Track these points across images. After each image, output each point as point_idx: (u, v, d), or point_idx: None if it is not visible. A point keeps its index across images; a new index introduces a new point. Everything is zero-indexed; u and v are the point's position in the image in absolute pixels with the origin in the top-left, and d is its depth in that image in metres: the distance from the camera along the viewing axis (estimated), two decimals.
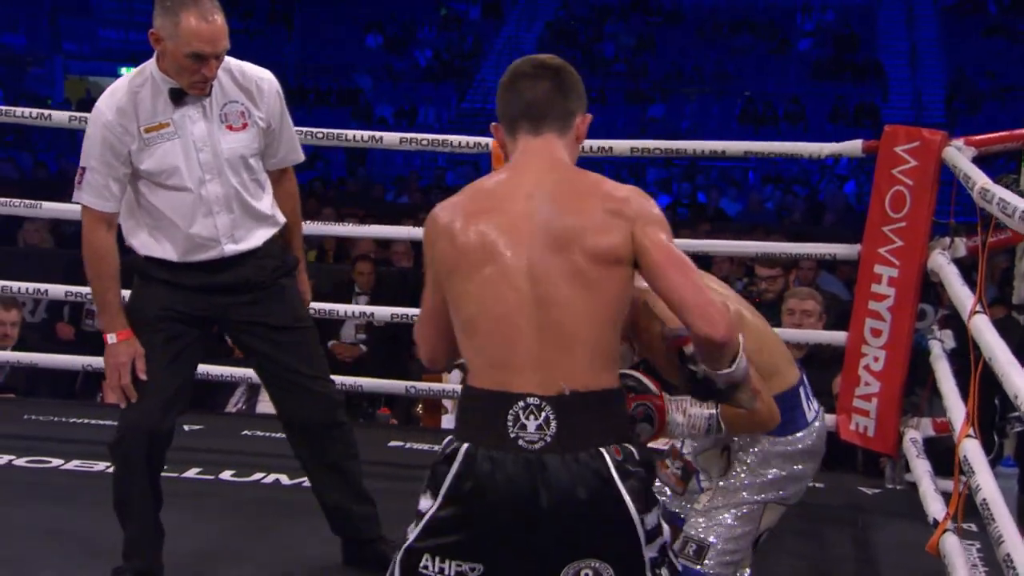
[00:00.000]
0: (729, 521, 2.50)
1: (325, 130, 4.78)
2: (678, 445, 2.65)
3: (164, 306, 3.03)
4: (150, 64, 2.97)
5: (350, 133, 4.94)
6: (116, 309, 2.99)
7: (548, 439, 1.97)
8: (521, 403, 1.98)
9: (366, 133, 5.03)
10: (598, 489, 1.96)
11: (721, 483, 2.55)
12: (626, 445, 2.02)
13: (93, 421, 4.84)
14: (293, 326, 3.16)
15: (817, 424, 2.60)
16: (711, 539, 2.49)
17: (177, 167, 2.96)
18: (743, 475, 2.54)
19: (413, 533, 2.06)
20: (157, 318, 3.02)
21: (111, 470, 3.13)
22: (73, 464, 4.22)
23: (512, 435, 1.97)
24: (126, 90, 2.95)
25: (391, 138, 5.00)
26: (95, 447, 4.38)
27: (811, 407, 2.60)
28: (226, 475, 4.17)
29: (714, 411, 2.31)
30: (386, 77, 23.52)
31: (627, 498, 1.97)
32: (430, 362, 2.27)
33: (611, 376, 2.06)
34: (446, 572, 2.01)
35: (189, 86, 2.92)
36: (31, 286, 4.93)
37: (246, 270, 3.08)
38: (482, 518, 1.99)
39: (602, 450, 1.98)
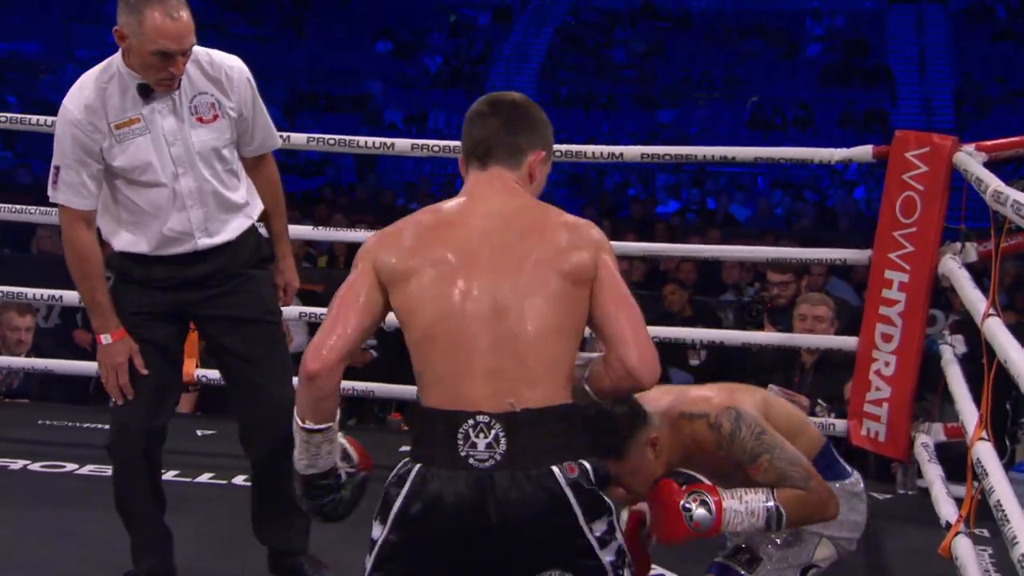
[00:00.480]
0: (783, 542, 2.51)
1: (337, 136, 4.79)
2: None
3: (137, 308, 3.01)
4: (116, 59, 2.92)
5: (362, 140, 4.95)
6: (108, 308, 2.97)
7: (498, 457, 1.96)
8: (471, 421, 1.97)
9: (378, 140, 5.04)
10: (549, 505, 1.96)
11: None
12: (582, 462, 2.01)
13: (106, 426, 4.84)
14: (263, 319, 3.12)
15: (858, 476, 2.65)
16: (765, 554, 2.49)
17: (149, 162, 2.92)
18: None
19: (368, 563, 2.04)
20: (132, 323, 3.00)
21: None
22: (87, 469, 4.24)
23: (463, 453, 1.96)
24: (93, 87, 2.90)
25: (403, 145, 5.00)
26: None
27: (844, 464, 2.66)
28: (238, 480, 4.17)
29: (773, 503, 2.29)
30: (396, 83, 23.51)
31: (577, 511, 1.97)
32: (330, 365, 2.07)
33: (565, 393, 2.05)
34: None
35: (156, 83, 2.87)
36: (45, 292, 4.95)
37: (219, 262, 3.05)
38: (432, 540, 1.99)
39: (553, 468, 1.97)
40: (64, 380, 5.47)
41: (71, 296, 4.91)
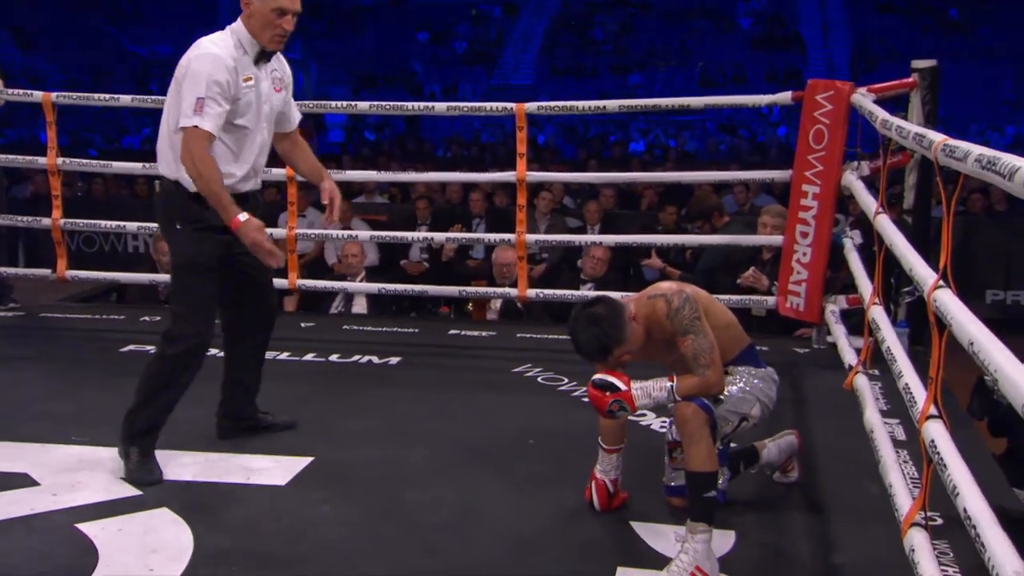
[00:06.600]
0: (735, 392, 2.50)
1: (390, 103, 4.73)
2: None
3: (213, 253, 2.80)
4: (238, 28, 2.77)
5: (409, 105, 4.89)
6: (230, 200, 2.68)
7: None
8: None
9: (421, 104, 5.02)
10: None
11: (730, 378, 2.54)
12: None
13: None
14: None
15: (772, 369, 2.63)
16: (723, 396, 2.48)
17: (252, 114, 2.78)
18: (741, 379, 2.54)
19: None
20: (212, 267, 2.80)
21: (165, 365, 2.81)
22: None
23: None
24: (232, 46, 2.74)
25: (440, 107, 5.02)
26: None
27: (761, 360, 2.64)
28: (334, 357, 4.18)
29: (671, 384, 2.36)
30: (433, 63, 23.22)
31: None
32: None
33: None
34: None
35: (271, 40, 2.75)
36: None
37: (251, 204, 2.86)
38: None
39: None
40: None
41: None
